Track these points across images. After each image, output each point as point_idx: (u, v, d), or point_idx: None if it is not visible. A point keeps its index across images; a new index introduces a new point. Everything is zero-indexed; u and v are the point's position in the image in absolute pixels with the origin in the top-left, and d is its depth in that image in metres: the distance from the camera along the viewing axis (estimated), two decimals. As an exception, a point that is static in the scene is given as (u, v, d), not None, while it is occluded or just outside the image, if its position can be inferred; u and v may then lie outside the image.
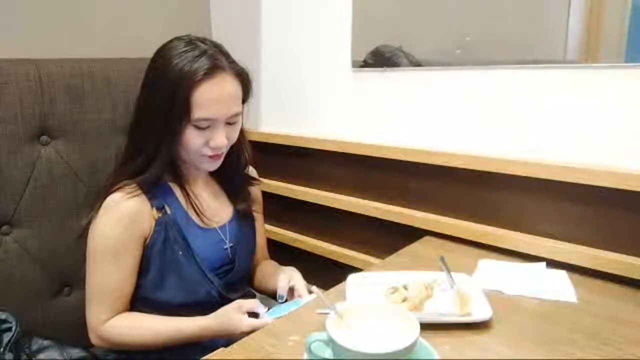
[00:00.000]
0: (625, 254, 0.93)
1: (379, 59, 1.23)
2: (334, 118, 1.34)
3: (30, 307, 1.07)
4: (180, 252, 0.97)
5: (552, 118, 0.99)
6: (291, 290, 1.01)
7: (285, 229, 1.50)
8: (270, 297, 1.11)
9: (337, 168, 1.34)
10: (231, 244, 1.06)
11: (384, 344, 0.59)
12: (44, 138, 1.08)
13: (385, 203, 1.25)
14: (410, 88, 1.18)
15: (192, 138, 0.93)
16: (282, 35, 1.43)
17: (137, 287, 0.98)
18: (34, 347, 0.94)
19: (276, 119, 1.50)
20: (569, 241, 0.99)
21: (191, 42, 0.94)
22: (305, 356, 0.66)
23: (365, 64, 1.25)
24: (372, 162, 1.24)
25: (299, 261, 1.18)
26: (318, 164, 1.38)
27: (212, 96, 0.91)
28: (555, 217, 1.01)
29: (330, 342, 0.62)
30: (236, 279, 1.07)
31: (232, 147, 1.01)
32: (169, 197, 1.00)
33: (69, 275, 1.12)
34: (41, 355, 0.94)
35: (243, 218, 1.11)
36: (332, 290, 0.91)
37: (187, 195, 1.02)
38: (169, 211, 0.99)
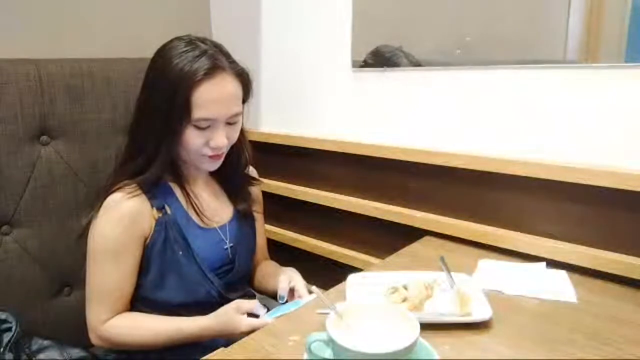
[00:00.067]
0: (625, 254, 0.93)
1: (379, 59, 1.23)
2: (334, 118, 1.34)
3: (30, 307, 1.07)
4: (181, 252, 0.97)
5: (552, 118, 0.99)
6: (291, 291, 1.01)
7: (285, 229, 1.50)
8: (270, 297, 1.11)
9: (337, 168, 1.34)
10: (231, 244, 1.06)
11: (384, 344, 0.59)
12: (44, 138, 1.08)
13: (385, 203, 1.25)
14: (410, 88, 1.18)
15: (193, 138, 0.93)
16: (282, 35, 1.43)
17: (137, 287, 0.99)
18: (34, 347, 0.94)
19: (276, 119, 1.50)
20: (569, 241, 0.99)
21: (191, 42, 0.94)
22: (305, 356, 0.66)
23: (365, 64, 1.25)
24: (372, 162, 1.24)
25: (299, 261, 1.18)
26: (318, 164, 1.38)
27: (212, 96, 0.91)
28: (555, 217, 1.01)
29: (330, 342, 0.62)
30: (236, 279, 1.07)
31: (232, 147, 1.01)
32: (169, 197, 1.00)
33: (69, 275, 1.12)
34: (41, 355, 0.94)
35: (243, 218, 1.11)
36: (332, 290, 0.91)
37: (187, 195, 1.02)
38: (169, 211, 0.99)
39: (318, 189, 1.39)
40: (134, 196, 0.95)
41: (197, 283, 0.99)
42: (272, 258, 1.26)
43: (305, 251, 1.43)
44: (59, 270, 1.11)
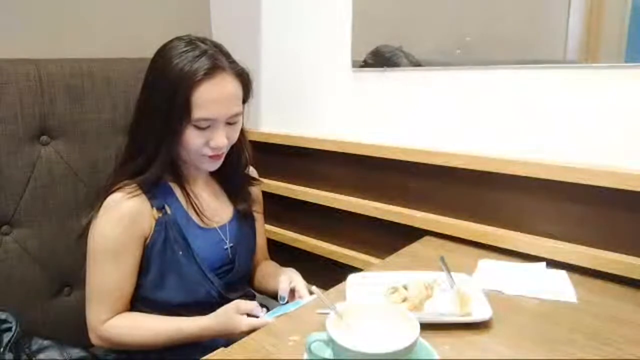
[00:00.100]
0: (625, 254, 0.93)
1: (379, 59, 1.23)
2: (334, 118, 1.34)
3: (30, 307, 1.07)
4: (181, 252, 0.97)
5: (552, 118, 0.99)
6: (292, 292, 1.01)
7: (285, 229, 1.50)
8: (270, 297, 1.11)
9: (337, 168, 1.34)
10: (231, 244, 1.06)
11: (384, 344, 0.59)
12: (44, 138, 1.08)
13: (385, 203, 1.25)
14: (410, 88, 1.18)
15: (193, 138, 0.93)
16: (282, 35, 1.43)
17: (137, 287, 0.99)
18: (34, 347, 0.94)
19: (276, 119, 1.50)
20: (569, 241, 0.99)
21: (191, 42, 0.94)
22: (305, 356, 0.66)
23: (365, 64, 1.25)
24: (372, 162, 1.24)
25: (299, 261, 1.18)
26: (318, 164, 1.38)
27: (212, 96, 0.91)
28: (555, 217, 1.01)
29: (330, 342, 0.62)
30: (236, 279, 1.07)
31: (232, 147, 1.01)
32: (169, 197, 1.00)
33: (69, 275, 1.12)
34: (41, 355, 0.94)
35: (243, 218, 1.11)
36: (332, 290, 0.91)
37: (187, 195, 1.02)
38: (169, 211, 0.99)
39: (318, 189, 1.39)
40: (134, 196, 0.95)
41: (197, 283, 0.99)
42: (272, 258, 1.26)
43: (305, 251, 1.43)
44: (59, 270, 1.11)
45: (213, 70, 0.91)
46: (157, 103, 0.93)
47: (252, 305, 0.91)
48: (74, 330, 1.02)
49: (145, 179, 0.96)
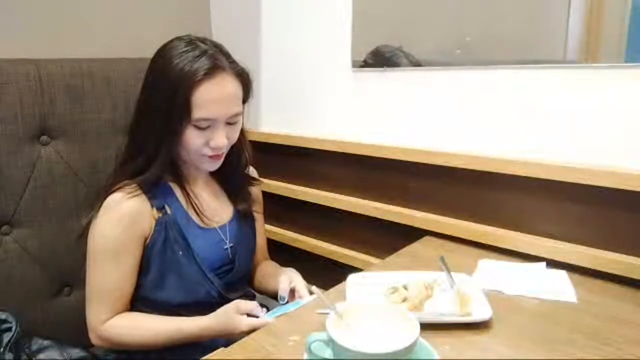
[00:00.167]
0: (625, 254, 0.93)
1: (379, 59, 1.23)
2: (334, 118, 1.34)
3: (30, 307, 1.07)
4: (181, 252, 0.97)
5: (552, 118, 0.99)
6: (292, 292, 1.01)
7: (285, 229, 1.50)
8: (270, 297, 1.11)
9: (337, 168, 1.34)
10: (231, 244, 1.06)
11: (384, 344, 0.59)
12: (44, 138, 1.08)
13: (385, 203, 1.25)
14: (410, 88, 1.18)
15: (193, 138, 0.93)
16: (282, 35, 1.43)
17: (137, 287, 0.99)
18: (34, 347, 0.94)
19: (276, 119, 1.50)
20: (569, 241, 0.99)
21: (191, 42, 0.94)
22: (305, 356, 0.66)
23: (365, 64, 1.25)
24: (372, 162, 1.24)
25: (299, 261, 1.18)
26: (318, 164, 1.38)
27: (213, 96, 0.91)
28: (555, 217, 1.01)
29: (330, 342, 0.62)
30: (236, 279, 1.07)
31: (232, 147, 1.01)
32: (169, 197, 1.00)
33: (69, 275, 1.12)
34: (41, 355, 0.94)
35: (243, 218, 1.11)
36: (332, 290, 0.91)
37: (187, 195, 1.02)
38: (169, 211, 0.99)
39: (318, 189, 1.39)
40: (134, 196, 0.95)
41: (197, 283, 0.99)
42: (272, 258, 1.26)
43: (305, 251, 1.43)
44: (59, 270, 1.11)
45: (213, 70, 0.91)
46: (157, 103, 0.93)
47: (252, 305, 0.91)
48: (74, 330, 1.02)
49: (145, 179, 0.96)
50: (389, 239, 1.23)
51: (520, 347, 0.73)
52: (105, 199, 0.95)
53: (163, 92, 0.91)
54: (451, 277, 0.84)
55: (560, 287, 0.90)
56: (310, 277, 1.03)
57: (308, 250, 1.42)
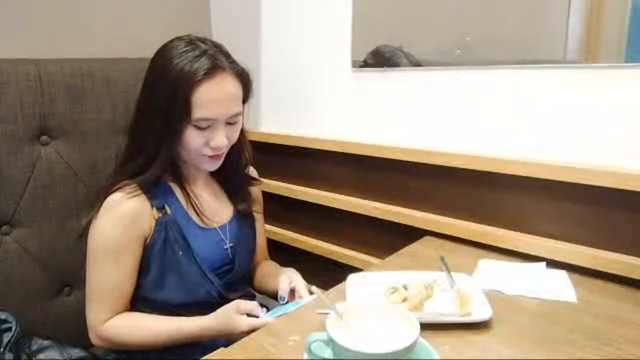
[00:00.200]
0: (625, 254, 0.93)
1: (379, 59, 1.23)
2: (334, 118, 1.34)
3: (30, 307, 1.07)
4: (181, 252, 0.97)
5: (552, 118, 0.99)
6: (292, 292, 1.01)
7: (285, 229, 1.50)
8: (270, 297, 1.11)
9: (337, 168, 1.34)
10: (231, 244, 1.06)
11: (384, 344, 0.59)
12: (44, 138, 1.08)
13: (385, 203, 1.25)
14: (410, 88, 1.18)
15: (193, 138, 0.93)
16: (282, 35, 1.43)
17: (137, 287, 0.99)
18: (34, 347, 0.94)
19: (276, 119, 1.49)
20: (569, 241, 0.99)
21: (192, 42, 0.94)
22: (305, 356, 0.66)
23: (365, 64, 1.25)
24: (372, 162, 1.24)
25: (299, 261, 1.18)
26: (318, 164, 1.38)
27: (213, 96, 0.91)
28: (555, 217, 1.01)
29: (330, 342, 0.62)
30: (236, 279, 1.07)
31: (232, 147, 1.01)
32: (169, 197, 1.00)
33: (69, 275, 1.12)
34: (41, 355, 0.94)
35: (243, 218, 1.11)
36: (332, 290, 0.91)
37: (187, 195, 1.02)
38: (169, 211, 0.99)
39: (318, 189, 1.39)
40: (134, 196, 0.95)
41: (197, 283, 0.99)
42: (272, 258, 1.26)
43: (305, 251, 1.43)
44: (59, 270, 1.11)
45: (213, 70, 0.91)
46: (157, 103, 0.93)
47: (251, 306, 0.91)
48: (74, 330, 1.02)
49: (145, 179, 0.96)
50: (389, 239, 1.23)
51: (520, 347, 0.73)
52: (105, 199, 0.95)
53: (163, 92, 0.91)
54: (451, 277, 0.84)
55: (560, 287, 0.90)
56: (310, 277, 1.03)
57: (308, 250, 1.42)
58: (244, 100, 1.00)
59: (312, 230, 1.44)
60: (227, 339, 0.89)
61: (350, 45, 1.27)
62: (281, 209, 1.48)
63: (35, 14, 1.22)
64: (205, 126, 0.93)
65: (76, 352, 0.97)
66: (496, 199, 1.08)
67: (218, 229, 1.05)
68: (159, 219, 0.97)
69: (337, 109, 1.34)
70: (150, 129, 0.94)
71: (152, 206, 0.97)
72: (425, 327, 0.64)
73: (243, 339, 0.77)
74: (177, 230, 0.98)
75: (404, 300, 0.81)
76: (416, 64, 1.17)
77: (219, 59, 0.92)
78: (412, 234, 1.16)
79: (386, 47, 1.22)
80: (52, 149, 1.09)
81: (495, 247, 1.06)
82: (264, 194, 1.25)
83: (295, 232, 1.47)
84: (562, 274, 0.95)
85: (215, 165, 1.01)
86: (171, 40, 0.96)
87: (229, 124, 0.96)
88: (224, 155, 1.00)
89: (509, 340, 0.74)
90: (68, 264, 1.10)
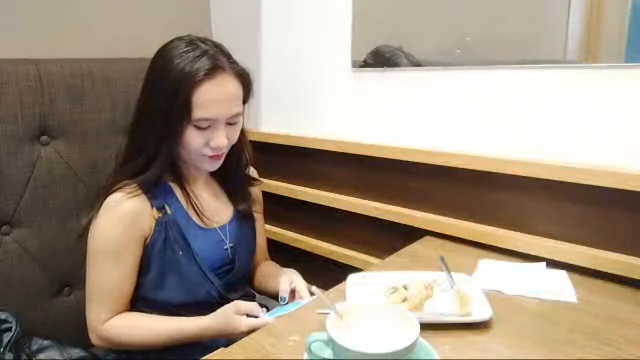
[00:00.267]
0: (625, 254, 0.93)
1: (379, 59, 1.23)
2: (334, 118, 1.34)
3: (30, 307, 1.07)
4: (181, 252, 0.97)
5: (552, 118, 0.99)
6: (292, 292, 1.01)
7: (285, 229, 1.50)
8: (270, 297, 1.11)
9: (337, 168, 1.34)
10: (231, 244, 1.06)
11: (384, 344, 0.59)
12: (44, 138, 1.08)
13: (385, 203, 1.25)
14: (410, 88, 1.18)
15: (193, 138, 0.93)
16: (282, 35, 1.43)
17: (137, 287, 0.99)
18: (34, 347, 0.94)
19: (276, 119, 1.50)
20: (569, 241, 0.99)
21: (192, 42, 0.94)
22: (305, 356, 0.66)
23: (365, 64, 1.25)
24: (372, 162, 1.24)
25: (299, 261, 1.18)
26: (318, 164, 1.38)
27: (213, 96, 0.91)
28: (555, 217, 1.01)
29: (330, 342, 0.62)
30: (236, 279, 1.07)
31: (232, 147, 1.01)
32: (169, 197, 1.00)
33: (69, 275, 1.12)
34: (41, 355, 0.94)
35: (243, 218, 1.11)
36: (332, 290, 0.91)
37: (187, 195, 1.02)
38: (169, 211, 0.99)
39: (318, 189, 1.39)
40: (134, 196, 0.95)
41: (197, 283, 0.99)
42: (272, 258, 1.26)
43: (305, 251, 1.43)
44: (59, 270, 1.11)
45: (213, 70, 0.91)
46: (158, 103, 0.93)
47: (251, 306, 0.91)
48: (74, 330, 1.02)
49: (146, 178, 0.96)
50: (389, 239, 1.23)
51: (520, 347, 0.73)
52: (105, 199, 0.95)
53: (163, 92, 0.91)
54: (451, 277, 0.84)
55: (560, 287, 0.90)
56: (310, 277, 1.03)
57: (308, 250, 1.42)
58: (244, 101, 1.00)
59: (312, 230, 1.44)
60: (227, 339, 0.89)
61: (350, 45, 1.27)
62: (281, 209, 1.48)
63: (35, 14, 1.22)
64: (205, 126, 0.93)
65: (76, 352, 0.97)
66: (496, 199, 1.08)
67: (218, 229, 1.05)
68: (159, 219, 0.97)
69: (337, 109, 1.34)
70: (151, 129, 0.94)
71: (152, 206, 0.97)
72: (425, 327, 0.64)
73: (243, 339, 0.77)
74: (177, 230, 0.98)
75: (404, 300, 0.81)
76: (416, 64, 1.17)
77: (219, 59, 0.92)
78: (412, 234, 1.16)
79: (386, 47, 1.22)
80: (52, 149, 1.09)
81: (495, 247, 1.06)
82: (264, 194, 1.25)
83: (295, 232, 1.47)
84: (562, 274, 0.95)
85: (215, 166, 1.01)
86: (172, 41, 0.96)
87: (229, 124, 0.96)
88: (224, 156, 1.00)
89: (509, 340, 0.74)
90: (68, 264, 1.10)
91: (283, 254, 1.34)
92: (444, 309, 0.78)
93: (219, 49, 0.96)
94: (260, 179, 1.21)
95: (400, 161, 1.18)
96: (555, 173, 0.96)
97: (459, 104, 1.11)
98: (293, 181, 1.45)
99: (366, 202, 1.28)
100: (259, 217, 1.19)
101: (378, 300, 0.82)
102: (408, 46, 1.18)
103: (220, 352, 0.75)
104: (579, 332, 0.76)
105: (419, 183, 1.19)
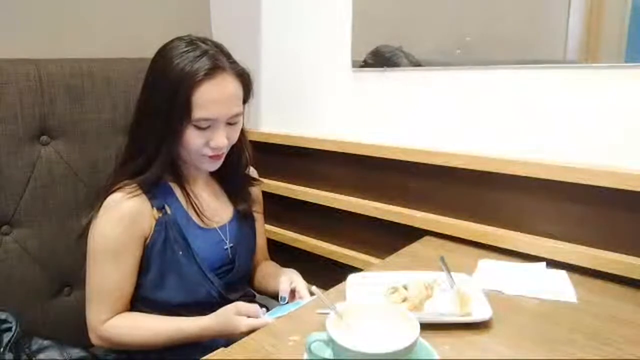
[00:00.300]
0: (625, 254, 0.93)
1: (379, 59, 1.23)
2: (334, 118, 1.34)
3: (30, 307, 1.07)
4: (181, 252, 0.97)
5: (552, 118, 0.99)
6: (292, 292, 1.01)
7: (285, 229, 1.50)
8: (270, 297, 1.11)
9: (337, 168, 1.34)
10: (231, 244, 1.06)
11: (384, 344, 0.59)
12: (44, 138, 1.08)
13: (385, 203, 1.25)
14: (410, 88, 1.18)
15: (193, 138, 0.93)
16: (282, 35, 1.43)
17: (137, 287, 0.99)
18: (34, 347, 0.94)
19: (276, 119, 1.50)
20: (569, 241, 0.99)
21: (192, 42, 0.94)
22: (305, 356, 0.66)
23: (365, 64, 1.25)
24: (372, 162, 1.24)
25: (299, 261, 1.18)
26: (318, 164, 1.38)
27: (213, 96, 0.91)
28: (555, 217, 1.01)
29: (330, 342, 0.62)
30: (236, 279, 1.07)
31: (232, 147, 1.01)
32: (169, 197, 1.00)
33: (69, 275, 1.12)
34: (41, 355, 0.94)
35: (243, 218, 1.11)
36: (332, 290, 0.91)
37: (187, 195, 1.02)
38: (169, 211, 0.99)
39: (318, 189, 1.39)
40: (134, 196, 0.95)
41: (197, 283, 0.99)
42: (272, 258, 1.26)
43: (305, 251, 1.43)
44: (59, 270, 1.11)
45: (214, 70, 0.91)
46: (158, 103, 0.93)
47: (251, 308, 0.91)
48: (74, 330, 1.02)
49: (146, 178, 0.96)
50: (389, 239, 1.23)
51: (520, 347, 0.73)
52: (105, 199, 0.95)
53: (163, 92, 0.91)
54: (451, 277, 0.84)
55: (560, 287, 0.90)
56: (310, 277, 1.03)
57: (308, 250, 1.42)
58: (245, 101, 1.00)
59: (312, 230, 1.44)
60: (227, 339, 0.89)
61: (350, 45, 1.27)
62: (281, 209, 1.48)
63: (35, 14, 1.22)
64: (205, 126, 0.93)
65: (76, 352, 0.97)
66: (496, 199, 1.08)
67: (218, 229, 1.05)
68: (159, 219, 0.97)
69: (337, 109, 1.34)
70: (151, 129, 0.94)
71: (152, 206, 0.97)
72: (425, 327, 0.64)
73: (243, 339, 0.77)
74: (177, 230, 0.98)
75: (404, 300, 0.81)
76: (416, 64, 1.17)
77: (219, 59, 0.92)
78: (412, 234, 1.16)
79: (386, 47, 1.22)
80: (52, 149, 1.09)
81: (495, 247, 1.06)
82: (264, 194, 1.25)
83: (295, 232, 1.47)
84: (562, 274, 0.95)
85: (215, 166, 1.01)
86: (172, 41, 0.96)
87: (229, 124, 0.96)
88: (224, 156, 1.00)
89: (509, 340, 0.74)
90: (68, 264, 1.10)
91: (283, 254, 1.34)
92: (444, 309, 0.78)
93: (219, 49, 0.96)
94: (260, 179, 1.21)
95: (400, 161, 1.18)
96: (555, 173, 0.96)
97: (459, 104, 1.11)
98: (293, 181, 1.45)
99: (366, 202, 1.28)
100: (259, 217, 1.19)
101: (378, 300, 0.82)
102: (408, 46, 1.18)
103: (220, 352, 0.75)
104: (579, 332, 0.76)
105: (419, 183, 1.19)
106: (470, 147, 1.10)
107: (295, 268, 1.11)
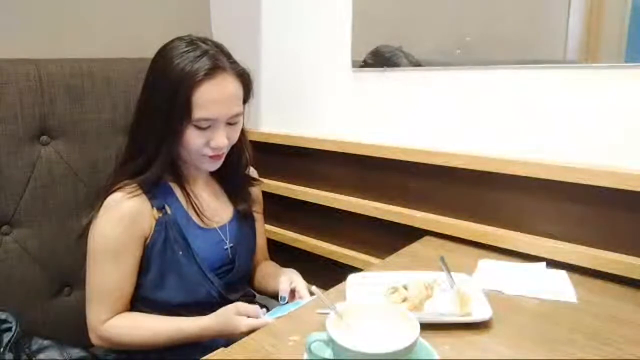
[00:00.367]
0: (625, 254, 0.93)
1: (379, 59, 1.23)
2: (334, 118, 1.34)
3: (30, 307, 1.07)
4: (181, 252, 0.97)
5: (552, 118, 0.99)
6: (292, 292, 1.01)
7: (285, 229, 1.50)
8: (270, 297, 1.11)
9: (337, 168, 1.34)
10: (231, 244, 1.06)
11: (384, 344, 0.59)
12: (44, 138, 1.08)
13: (385, 203, 1.25)
14: (410, 88, 1.18)
15: (193, 138, 0.93)
16: (282, 35, 1.43)
17: (137, 287, 0.99)
18: (34, 347, 0.94)
19: (276, 119, 1.50)
20: (569, 241, 0.99)
21: (192, 42, 0.94)
22: (305, 356, 0.66)
23: (365, 64, 1.25)
24: (372, 162, 1.24)
25: (299, 261, 1.18)
26: (318, 164, 1.38)
27: (213, 96, 0.91)
28: (555, 217, 1.01)
29: (330, 342, 0.62)
30: (236, 279, 1.07)
31: (232, 147, 1.01)
32: (170, 197, 1.00)
33: (69, 275, 1.12)
34: (41, 355, 0.94)
35: (243, 218, 1.11)
36: (332, 290, 0.91)
37: (187, 195, 1.02)
38: (169, 211, 0.99)
39: (318, 189, 1.39)
40: (134, 196, 0.95)
41: (197, 283, 0.99)
42: (272, 258, 1.26)
43: (305, 251, 1.43)
44: (59, 270, 1.11)
45: (214, 70, 0.91)
46: (158, 103, 0.93)
47: (251, 309, 0.91)
48: (74, 330, 1.02)
49: (146, 178, 0.96)
50: (389, 239, 1.23)
51: (520, 347, 0.73)
52: (105, 198, 0.95)
53: (164, 92, 0.91)
54: (451, 277, 0.84)
55: (560, 287, 0.90)
56: (310, 277, 1.03)
57: (308, 250, 1.42)
58: (245, 101, 1.00)
59: (312, 230, 1.44)
60: (227, 339, 0.89)
61: (350, 45, 1.27)
62: (281, 209, 1.48)
63: (35, 14, 1.22)
64: (205, 126, 0.93)
65: (76, 352, 0.97)
66: (496, 199, 1.08)
67: (218, 229, 1.05)
68: (159, 219, 0.97)
69: (337, 109, 1.34)
70: (151, 129, 0.94)
71: (152, 206, 0.97)
72: (425, 327, 0.64)
73: (243, 339, 0.77)
74: (177, 230, 0.98)
75: (404, 300, 0.81)
76: (416, 64, 1.17)
77: (219, 59, 0.92)
78: (412, 234, 1.16)
79: (386, 47, 1.22)
80: (52, 149, 1.09)
81: (495, 247, 1.06)
82: (264, 194, 1.25)
83: (295, 232, 1.47)
84: (562, 274, 0.95)
85: (215, 166, 1.01)
86: (172, 41, 0.96)
87: (229, 124, 0.96)
88: (224, 156, 1.00)
89: (509, 340, 0.74)
90: (68, 264, 1.10)
91: (283, 254, 1.34)
92: (444, 309, 0.78)
93: (220, 49, 0.96)
94: (260, 179, 1.21)
95: (400, 161, 1.18)
96: (555, 173, 0.96)
97: (459, 104, 1.11)
98: (293, 181, 1.45)
99: (366, 202, 1.28)
100: (259, 217, 1.19)
101: (378, 300, 0.82)
102: (408, 46, 1.18)
103: (220, 352, 0.75)
104: (579, 332, 0.76)
105: (419, 183, 1.19)
106: (470, 147, 1.10)
107: (295, 268, 1.11)
